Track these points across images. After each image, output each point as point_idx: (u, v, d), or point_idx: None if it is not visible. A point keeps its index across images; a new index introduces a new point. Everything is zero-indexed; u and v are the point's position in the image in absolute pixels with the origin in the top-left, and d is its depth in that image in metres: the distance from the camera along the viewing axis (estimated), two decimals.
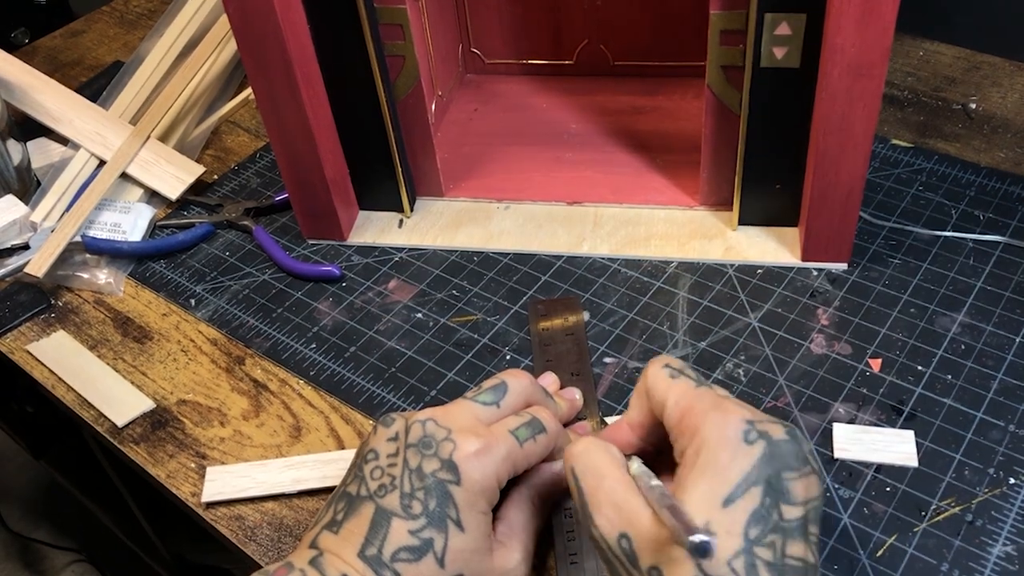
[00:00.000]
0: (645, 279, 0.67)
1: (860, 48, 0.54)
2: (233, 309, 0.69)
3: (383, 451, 0.47)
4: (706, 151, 0.67)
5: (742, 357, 0.60)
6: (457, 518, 0.44)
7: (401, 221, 0.74)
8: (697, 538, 0.35)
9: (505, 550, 0.47)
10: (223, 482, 0.57)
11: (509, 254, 0.70)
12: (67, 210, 0.76)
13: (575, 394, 0.57)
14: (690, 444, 0.41)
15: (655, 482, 0.41)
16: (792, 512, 0.39)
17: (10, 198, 0.77)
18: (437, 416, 0.47)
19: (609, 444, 0.45)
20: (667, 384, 0.45)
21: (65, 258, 0.73)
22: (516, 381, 0.50)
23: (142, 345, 0.67)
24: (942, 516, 0.51)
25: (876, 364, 0.59)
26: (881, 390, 0.57)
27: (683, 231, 0.70)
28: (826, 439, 0.55)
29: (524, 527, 0.48)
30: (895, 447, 0.54)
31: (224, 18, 0.92)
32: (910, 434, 0.54)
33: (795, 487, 0.40)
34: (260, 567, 0.48)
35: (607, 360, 0.61)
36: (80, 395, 0.64)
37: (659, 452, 0.47)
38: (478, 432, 0.47)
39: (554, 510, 0.51)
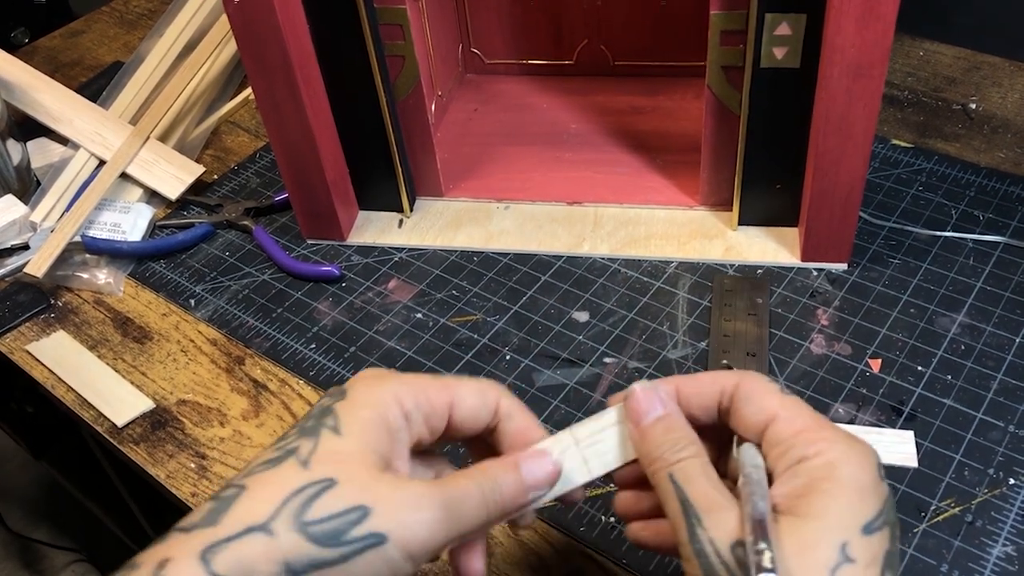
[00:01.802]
0: (645, 279, 0.67)
1: (860, 48, 0.54)
2: (233, 309, 0.69)
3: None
4: (706, 151, 0.67)
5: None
6: (335, 425, 0.37)
7: (401, 221, 0.74)
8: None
9: (409, 479, 0.37)
10: None
11: (509, 254, 0.70)
12: (67, 210, 0.76)
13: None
14: (816, 458, 0.36)
15: (758, 477, 0.37)
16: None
17: (10, 198, 0.77)
18: None
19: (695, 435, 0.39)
20: (781, 398, 0.39)
21: (65, 258, 0.73)
22: None
23: (142, 345, 0.67)
24: (942, 517, 0.51)
25: (876, 364, 0.59)
26: (881, 390, 0.57)
27: (683, 231, 0.70)
28: None
29: (456, 485, 0.38)
30: (895, 447, 0.54)
31: (224, 18, 0.92)
32: (910, 434, 0.54)
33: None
34: None
35: (607, 360, 0.61)
36: (80, 395, 0.64)
37: None
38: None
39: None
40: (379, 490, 0.35)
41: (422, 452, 0.42)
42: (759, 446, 0.39)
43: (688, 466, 0.38)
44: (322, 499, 0.34)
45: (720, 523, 0.35)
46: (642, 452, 0.40)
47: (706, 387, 0.41)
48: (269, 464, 0.36)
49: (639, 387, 0.41)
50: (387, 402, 0.39)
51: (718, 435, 0.41)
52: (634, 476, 0.42)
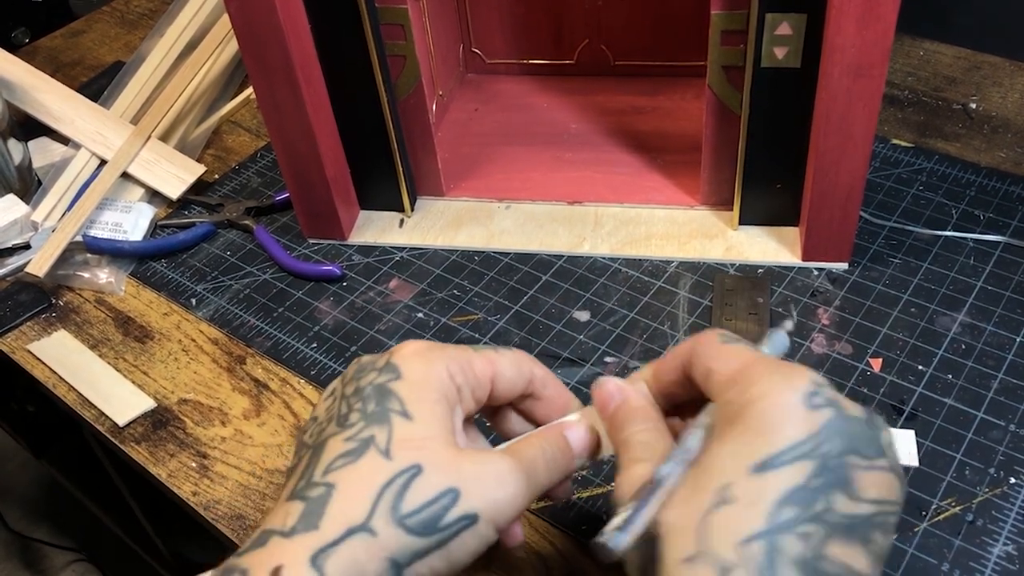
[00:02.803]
0: (646, 279, 0.67)
1: (860, 48, 0.54)
2: (234, 308, 0.69)
3: (321, 409, 0.41)
4: (707, 151, 0.67)
5: None
6: (402, 409, 0.37)
7: (402, 220, 0.74)
8: (602, 537, 0.32)
9: (487, 453, 0.39)
10: None
11: (510, 253, 0.70)
12: (68, 210, 0.76)
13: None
14: (738, 399, 0.34)
15: (684, 443, 0.36)
16: (849, 507, 0.32)
17: (11, 198, 0.77)
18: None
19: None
20: (718, 348, 0.38)
21: (66, 258, 0.73)
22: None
23: (143, 344, 0.67)
24: (943, 516, 0.51)
25: (877, 364, 0.59)
26: (882, 390, 0.57)
27: (683, 231, 0.70)
28: None
29: (527, 455, 0.40)
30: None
31: (225, 18, 0.92)
32: (911, 434, 0.54)
33: (861, 479, 0.32)
34: None
35: (608, 360, 0.61)
36: (81, 394, 0.64)
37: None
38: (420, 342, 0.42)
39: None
40: (463, 470, 0.36)
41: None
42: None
43: (628, 438, 0.39)
44: (413, 488, 0.35)
45: (624, 479, 0.37)
46: (613, 438, 0.41)
47: (669, 362, 0.41)
48: (350, 457, 0.36)
49: (599, 383, 0.42)
50: (444, 379, 0.39)
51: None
52: None
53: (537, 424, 0.45)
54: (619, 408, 0.41)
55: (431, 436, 0.37)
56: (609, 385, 0.42)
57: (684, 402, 0.42)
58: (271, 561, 0.34)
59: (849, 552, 0.31)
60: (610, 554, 0.32)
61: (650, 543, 0.33)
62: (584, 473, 0.55)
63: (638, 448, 0.38)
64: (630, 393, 0.41)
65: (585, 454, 0.42)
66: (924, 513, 0.51)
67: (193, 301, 0.70)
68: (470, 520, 0.36)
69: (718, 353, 0.38)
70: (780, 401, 0.33)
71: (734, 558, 0.30)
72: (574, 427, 0.42)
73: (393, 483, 0.35)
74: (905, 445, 0.54)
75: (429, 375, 0.39)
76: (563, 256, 0.70)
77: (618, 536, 0.32)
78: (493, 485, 0.37)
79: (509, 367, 0.42)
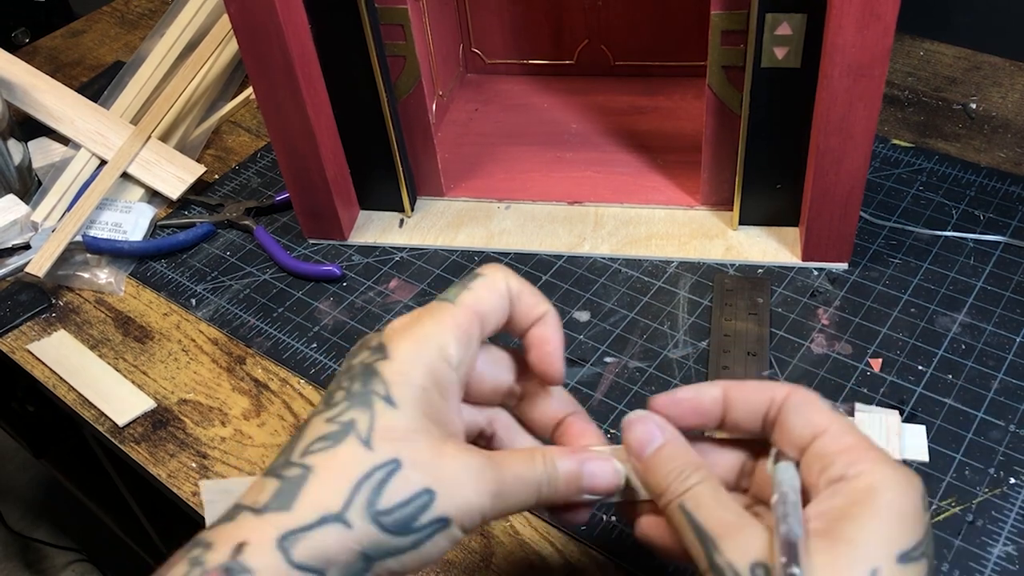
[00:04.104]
0: (646, 279, 0.67)
1: (860, 48, 0.54)
2: (234, 309, 0.69)
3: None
4: (707, 151, 0.67)
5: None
6: (386, 393, 0.36)
7: (402, 221, 0.74)
8: None
9: (469, 453, 0.37)
10: (224, 503, 0.54)
11: (510, 254, 0.70)
12: (68, 210, 0.76)
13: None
14: (857, 479, 0.35)
15: (795, 499, 0.36)
16: None
17: (11, 198, 0.77)
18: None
19: (704, 463, 0.39)
20: (830, 413, 0.38)
21: (66, 258, 0.73)
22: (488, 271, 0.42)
23: (143, 345, 0.67)
24: (942, 516, 0.51)
25: (876, 364, 0.59)
26: (882, 390, 0.57)
27: (684, 231, 0.70)
28: None
29: (510, 470, 0.38)
30: (905, 441, 0.54)
31: (225, 18, 0.92)
32: (921, 429, 0.54)
33: None
34: None
35: (608, 360, 0.61)
36: (81, 395, 0.64)
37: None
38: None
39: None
40: (442, 470, 0.36)
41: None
42: (798, 464, 0.38)
43: (697, 493, 0.37)
44: (390, 485, 0.34)
45: (737, 546, 0.35)
46: (649, 485, 0.39)
47: (755, 394, 0.40)
48: (329, 441, 0.35)
49: (633, 418, 0.40)
50: (434, 361, 0.38)
51: (750, 444, 0.41)
52: None
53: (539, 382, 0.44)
54: (663, 453, 0.39)
55: (413, 428, 0.36)
56: (642, 425, 0.40)
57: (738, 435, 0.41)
58: (236, 536, 0.33)
59: None
60: None
61: None
62: None
63: (726, 509, 0.36)
64: (672, 435, 0.40)
65: (602, 494, 0.40)
66: None
67: (193, 301, 0.70)
68: (443, 524, 0.35)
69: (832, 419, 0.38)
70: (910, 497, 0.35)
71: None
72: (597, 462, 0.40)
73: (372, 476, 0.34)
74: (915, 440, 0.54)
75: (418, 357, 0.37)
76: (563, 256, 0.70)
77: None
78: (466, 493, 0.36)
79: (487, 296, 0.40)
